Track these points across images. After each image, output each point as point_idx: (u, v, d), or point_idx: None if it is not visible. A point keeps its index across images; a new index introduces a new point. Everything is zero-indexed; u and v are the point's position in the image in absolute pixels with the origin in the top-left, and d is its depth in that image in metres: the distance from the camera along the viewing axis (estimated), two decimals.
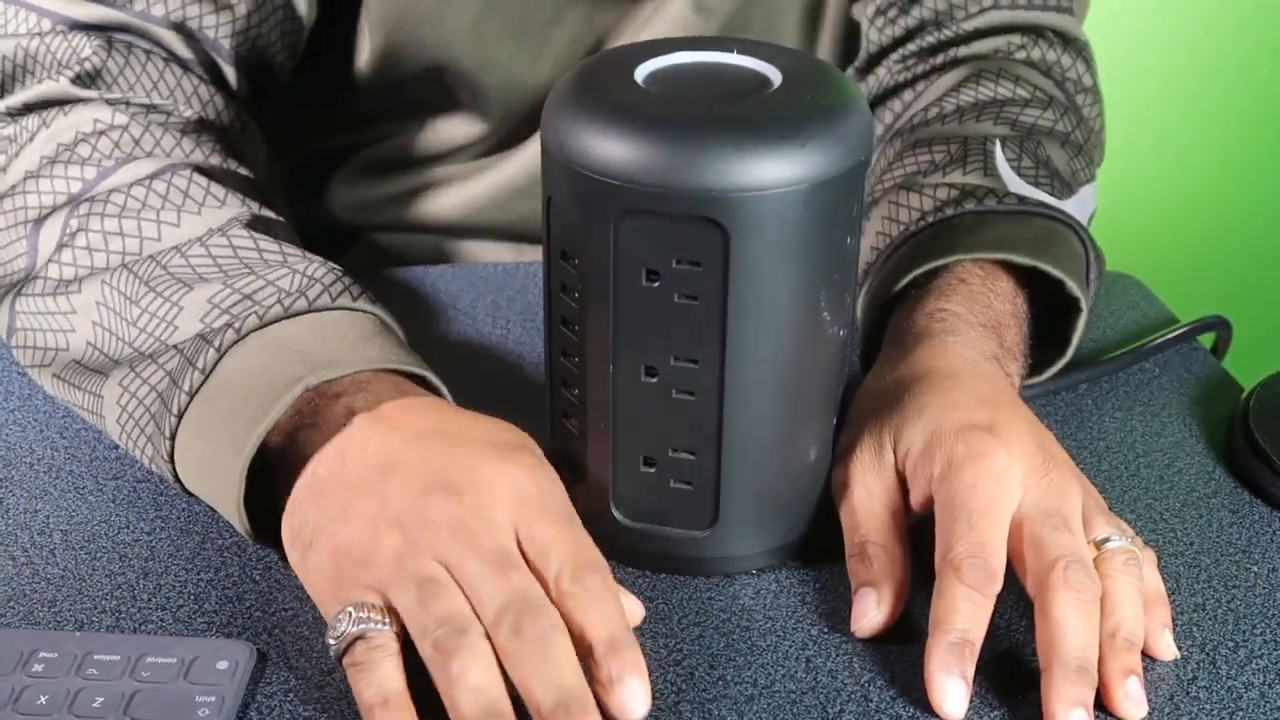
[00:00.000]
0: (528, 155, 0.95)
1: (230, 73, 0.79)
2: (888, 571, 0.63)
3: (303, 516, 0.61)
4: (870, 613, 0.62)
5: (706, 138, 0.57)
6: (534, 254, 0.99)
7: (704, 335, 0.60)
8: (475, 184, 0.97)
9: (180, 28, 0.76)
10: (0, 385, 0.78)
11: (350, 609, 0.57)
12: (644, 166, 0.57)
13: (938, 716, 0.58)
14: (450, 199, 0.98)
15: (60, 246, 0.71)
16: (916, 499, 0.64)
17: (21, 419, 0.76)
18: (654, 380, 0.61)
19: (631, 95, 0.60)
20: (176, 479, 0.66)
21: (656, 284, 0.59)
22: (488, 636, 0.56)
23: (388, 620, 0.57)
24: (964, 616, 0.59)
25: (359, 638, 0.57)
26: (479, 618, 0.56)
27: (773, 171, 0.57)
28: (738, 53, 0.63)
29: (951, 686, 0.58)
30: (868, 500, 0.65)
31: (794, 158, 0.58)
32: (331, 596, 0.59)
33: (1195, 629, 0.63)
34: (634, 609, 0.62)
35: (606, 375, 0.62)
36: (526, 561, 0.58)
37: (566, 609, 0.57)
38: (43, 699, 0.57)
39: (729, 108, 0.59)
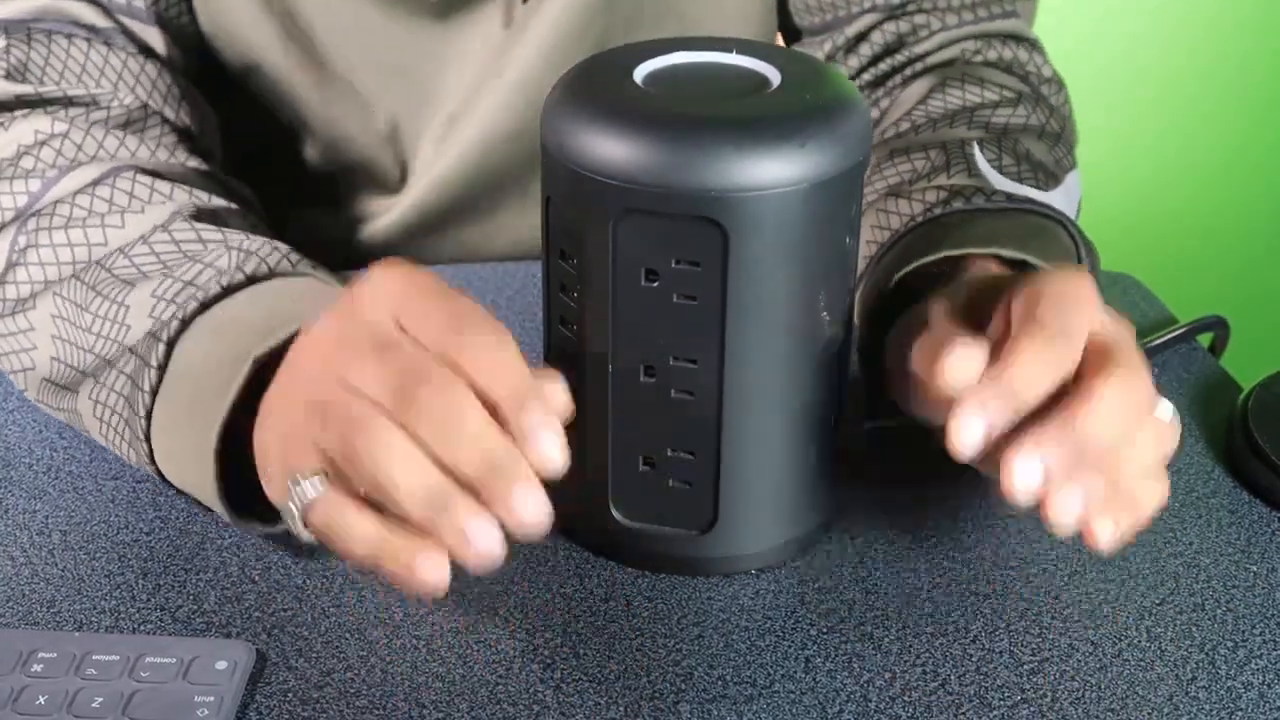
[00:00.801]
0: (401, 208, 0.93)
1: (156, 37, 0.79)
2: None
3: (260, 447, 0.60)
4: (971, 348, 0.57)
5: (706, 137, 0.57)
6: None
7: (703, 335, 0.60)
8: (354, 233, 0.95)
9: None
10: (0, 385, 0.78)
11: (289, 485, 0.55)
12: (643, 166, 0.57)
13: (937, 714, 0.58)
14: (329, 246, 0.96)
15: (11, 265, 0.71)
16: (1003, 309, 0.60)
17: (21, 419, 0.76)
18: (653, 380, 0.61)
19: (631, 95, 0.60)
20: (163, 478, 0.66)
21: (655, 284, 0.59)
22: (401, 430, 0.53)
23: (327, 473, 0.55)
24: (1030, 381, 0.55)
25: (308, 507, 0.55)
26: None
27: (772, 171, 0.57)
28: (737, 53, 0.63)
29: (973, 425, 0.55)
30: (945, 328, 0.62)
31: (793, 158, 0.58)
32: (280, 491, 0.57)
33: (1195, 629, 0.63)
34: (552, 392, 0.55)
35: (605, 375, 0.62)
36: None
37: (459, 371, 0.53)
38: (42, 699, 0.57)
39: (728, 108, 0.59)
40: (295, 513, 0.56)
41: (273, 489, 0.59)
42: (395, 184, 0.94)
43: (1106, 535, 0.56)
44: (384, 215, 0.95)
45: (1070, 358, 0.57)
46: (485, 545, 0.52)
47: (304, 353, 0.59)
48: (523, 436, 0.52)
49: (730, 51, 0.63)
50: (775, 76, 0.62)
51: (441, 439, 0.52)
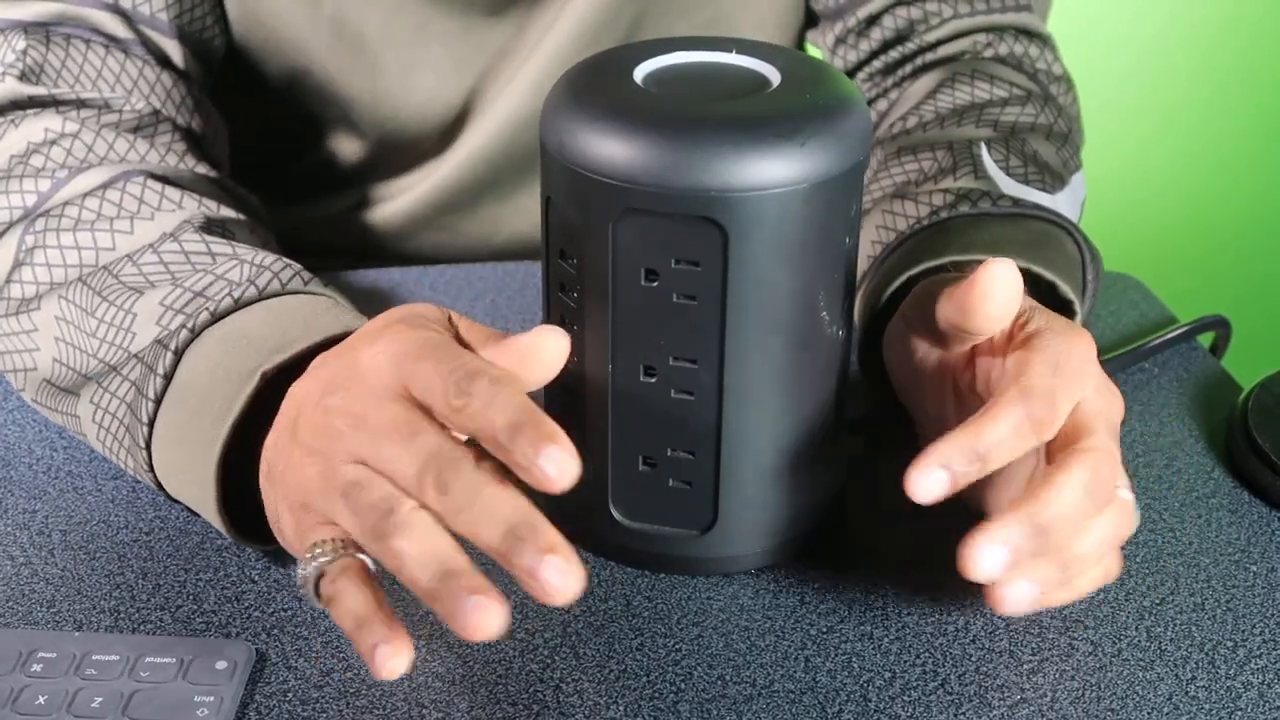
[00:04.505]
0: (429, 185, 0.94)
1: (175, 49, 0.79)
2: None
3: (267, 498, 0.60)
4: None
5: (705, 137, 0.57)
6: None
7: (703, 335, 0.60)
8: (378, 211, 0.96)
9: (114, 8, 0.76)
10: (0, 385, 0.78)
11: (305, 554, 0.56)
12: (643, 166, 0.57)
13: (937, 714, 0.58)
14: (353, 226, 0.97)
15: (18, 264, 0.71)
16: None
17: (21, 419, 0.76)
18: (653, 380, 0.61)
19: (631, 95, 0.60)
20: (160, 487, 0.66)
21: (655, 284, 0.59)
22: (426, 510, 0.54)
23: (343, 547, 0.56)
24: (999, 440, 0.57)
25: (320, 576, 0.55)
26: (408, 494, 0.54)
27: (772, 171, 0.57)
28: (736, 53, 0.63)
29: (935, 476, 0.57)
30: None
31: (793, 157, 0.58)
32: (298, 552, 0.58)
33: (1194, 629, 0.63)
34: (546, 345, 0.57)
35: (605, 375, 0.62)
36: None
37: (462, 423, 0.54)
38: (41, 699, 0.57)
39: (728, 107, 0.59)
40: (307, 579, 0.56)
41: (292, 548, 0.59)
42: (427, 162, 0.94)
43: (1026, 606, 0.58)
44: (410, 193, 0.95)
45: (1049, 428, 0.58)
46: (478, 621, 0.51)
47: (308, 412, 0.58)
48: (528, 462, 0.52)
49: (730, 51, 0.64)
50: (775, 76, 0.62)
51: (464, 515, 0.52)
